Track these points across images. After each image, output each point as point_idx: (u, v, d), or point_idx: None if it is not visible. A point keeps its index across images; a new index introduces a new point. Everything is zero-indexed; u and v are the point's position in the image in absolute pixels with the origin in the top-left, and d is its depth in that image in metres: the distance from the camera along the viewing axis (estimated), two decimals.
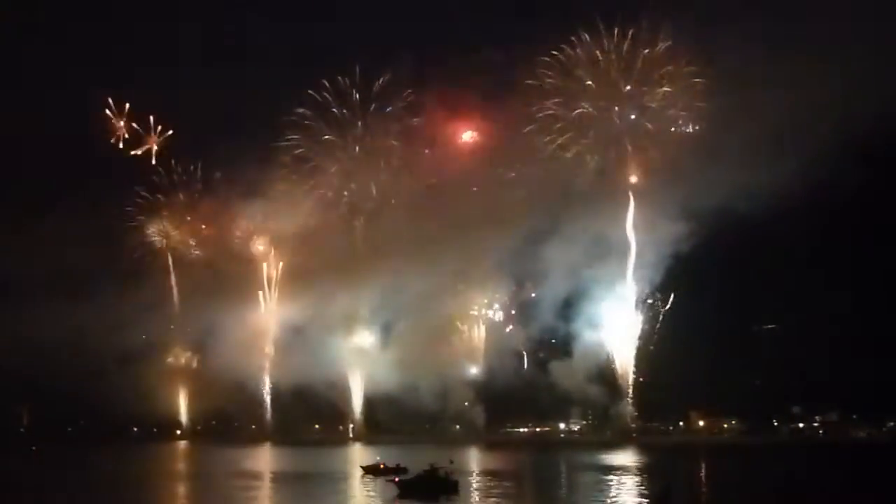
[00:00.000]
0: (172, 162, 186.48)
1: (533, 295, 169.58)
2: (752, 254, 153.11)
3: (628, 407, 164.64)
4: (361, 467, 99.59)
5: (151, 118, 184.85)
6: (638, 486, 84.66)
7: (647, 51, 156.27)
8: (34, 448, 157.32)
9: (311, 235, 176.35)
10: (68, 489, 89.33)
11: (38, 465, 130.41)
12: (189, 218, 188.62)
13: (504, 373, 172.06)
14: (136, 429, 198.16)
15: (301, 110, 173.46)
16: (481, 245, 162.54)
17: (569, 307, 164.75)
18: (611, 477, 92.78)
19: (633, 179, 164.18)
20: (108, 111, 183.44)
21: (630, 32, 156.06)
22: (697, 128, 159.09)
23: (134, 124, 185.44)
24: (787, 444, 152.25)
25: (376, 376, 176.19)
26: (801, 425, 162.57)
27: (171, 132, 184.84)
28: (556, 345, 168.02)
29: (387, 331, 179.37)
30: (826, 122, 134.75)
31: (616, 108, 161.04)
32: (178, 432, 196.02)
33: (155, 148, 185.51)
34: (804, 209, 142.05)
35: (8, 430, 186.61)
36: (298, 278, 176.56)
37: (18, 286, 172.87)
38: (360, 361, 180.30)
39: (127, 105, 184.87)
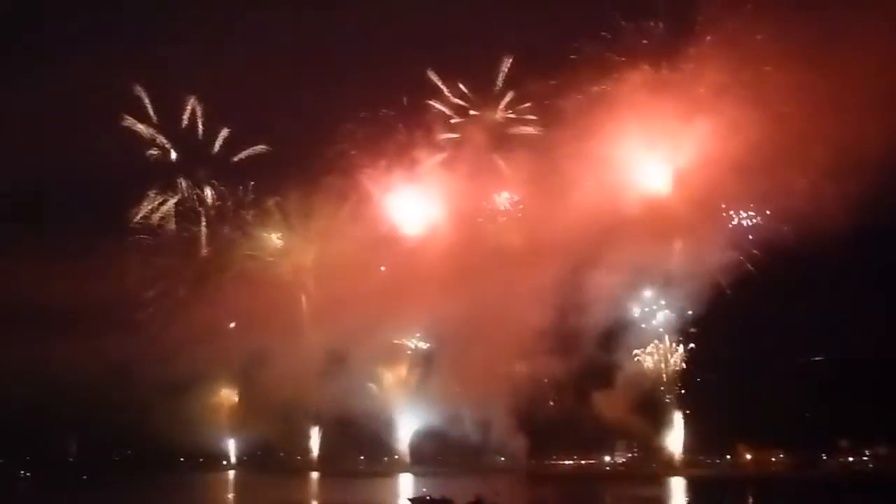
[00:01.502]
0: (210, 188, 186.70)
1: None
2: (799, 283, 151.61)
3: (674, 440, 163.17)
4: (408, 499, 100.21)
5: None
6: None
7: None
8: (84, 477, 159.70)
9: (355, 265, 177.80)
10: None
11: (90, 493, 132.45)
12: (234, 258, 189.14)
13: (547, 404, 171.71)
14: (182, 459, 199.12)
15: (344, 145, 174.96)
16: (524, 276, 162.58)
17: (611, 337, 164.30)
18: None
19: (677, 210, 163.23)
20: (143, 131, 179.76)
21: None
22: (741, 156, 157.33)
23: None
24: (835, 477, 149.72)
25: (420, 407, 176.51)
26: (850, 459, 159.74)
27: (262, 147, 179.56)
28: (599, 375, 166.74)
29: (430, 361, 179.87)
30: (880, 146, 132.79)
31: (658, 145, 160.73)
32: (225, 462, 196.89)
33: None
34: (853, 236, 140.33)
35: (57, 460, 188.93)
36: (342, 308, 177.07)
37: (66, 316, 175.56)
38: (404, 392, 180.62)
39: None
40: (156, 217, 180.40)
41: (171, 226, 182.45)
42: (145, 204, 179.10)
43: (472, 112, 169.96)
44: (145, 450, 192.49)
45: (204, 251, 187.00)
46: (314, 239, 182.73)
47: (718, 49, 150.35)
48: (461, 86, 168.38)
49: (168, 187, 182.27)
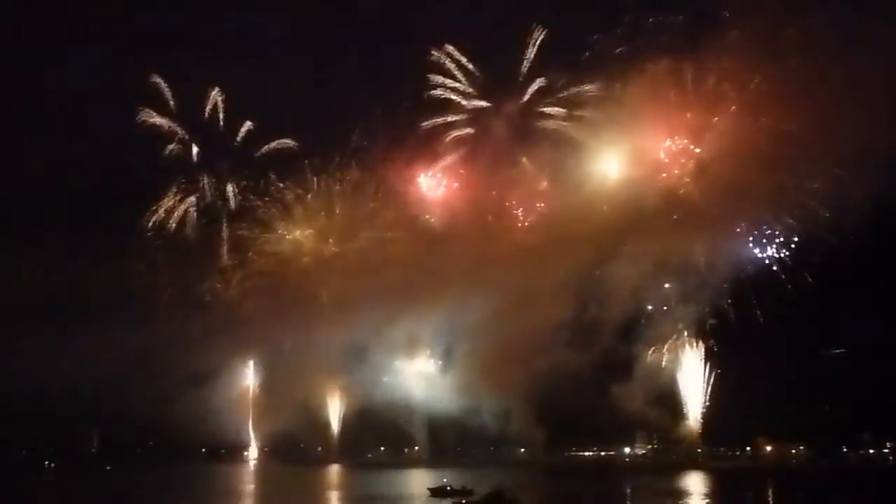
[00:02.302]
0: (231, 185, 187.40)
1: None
2: (820, 277, 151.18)
3: (694, 431, 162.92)
4: (428, 489, 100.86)
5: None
6: None
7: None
8: (109, 468, 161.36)
9: (376, 258, 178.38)
10: None
11: (115, 483, 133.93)
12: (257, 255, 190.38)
13: (566, 396, 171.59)
14: (203, 450, 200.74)
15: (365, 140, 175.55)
16: (543, 267, 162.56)
17: (630, 329, 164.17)
18: (675, 501, 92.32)
19: (699, 201, 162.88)
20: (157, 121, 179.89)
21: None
22: (764, 149, 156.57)
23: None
24: (856, 470, 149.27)
25: (439, 399, 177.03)
26: (870, 451, 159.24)
27: (289, 141, 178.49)
28: (618, 368, 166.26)
29: (449, 354, 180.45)
30: None
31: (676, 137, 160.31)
32: (246, 453, 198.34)
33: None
34: (874, 230, 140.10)
35: (79, 451, 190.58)
36: (362, 301, 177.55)
37: (88, 309, 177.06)
38: (423, 384, 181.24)
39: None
40: (177, 214, 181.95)
41: (192, 222, 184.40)
42: (165, 201, 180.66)
43: (490, 104, 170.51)
44: (167, 441, 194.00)
45: (225, 246, 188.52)
46: (335, 233, 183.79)
47: (744, 42, 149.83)
48: (483, 77, 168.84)
49: (189, 184, 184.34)
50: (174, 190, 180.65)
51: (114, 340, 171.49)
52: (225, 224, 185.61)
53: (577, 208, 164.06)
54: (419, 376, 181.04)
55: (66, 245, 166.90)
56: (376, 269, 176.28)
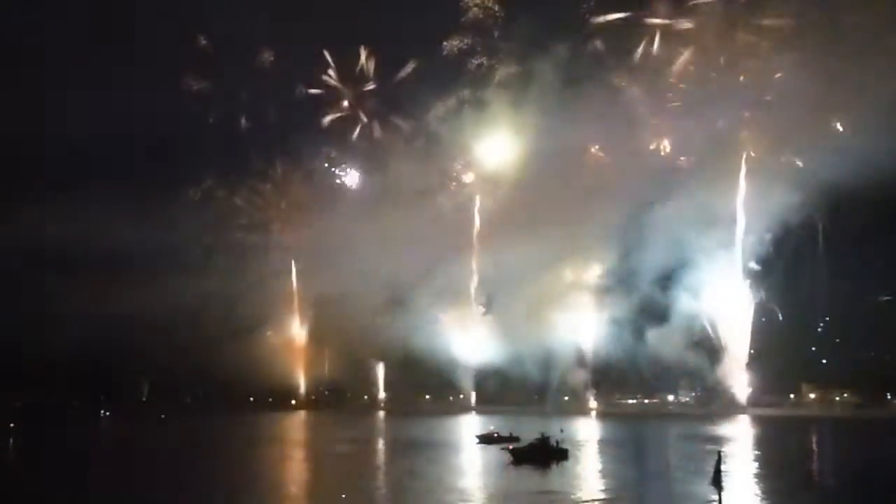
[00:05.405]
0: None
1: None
2: (867, 223, 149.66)
3: (738, 379, 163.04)
4: (476, 436, 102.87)
5: None
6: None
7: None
8: (163, 416, 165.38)
9: (418, 205, 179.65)
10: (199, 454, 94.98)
11: (171, 429, 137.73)
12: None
13: (608, 343, 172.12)
14: (252, 398, 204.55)
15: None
16: (588, 215, 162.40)
17: (671, 276, 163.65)
18: (716, 447, 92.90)
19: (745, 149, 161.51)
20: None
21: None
22: (811, 96, 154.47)
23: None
24: None
25: (482, 347, 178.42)
26: None
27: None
28: (655, 313, 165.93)
29: (492, 301, 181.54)
30: None
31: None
32: (293, 402, 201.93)
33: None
34: None
35: (130, 401, 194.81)
36: (405, 250, 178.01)
37: (139, 260, 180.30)
38: (467, 332, 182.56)
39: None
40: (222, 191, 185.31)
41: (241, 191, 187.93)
42: (210, 181, 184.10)
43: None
44: (215, 390, 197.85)
45: (272, 204, 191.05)
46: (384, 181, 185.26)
47: None
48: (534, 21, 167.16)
49: (236, 158, 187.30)
50: (222, 161, 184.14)
51: (163, 292, 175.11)
52: (270, 187, 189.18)
53: (622, 156, 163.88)
54: (463, 324, 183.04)
55: (117, 198, 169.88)
56: (418, 217, 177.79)
